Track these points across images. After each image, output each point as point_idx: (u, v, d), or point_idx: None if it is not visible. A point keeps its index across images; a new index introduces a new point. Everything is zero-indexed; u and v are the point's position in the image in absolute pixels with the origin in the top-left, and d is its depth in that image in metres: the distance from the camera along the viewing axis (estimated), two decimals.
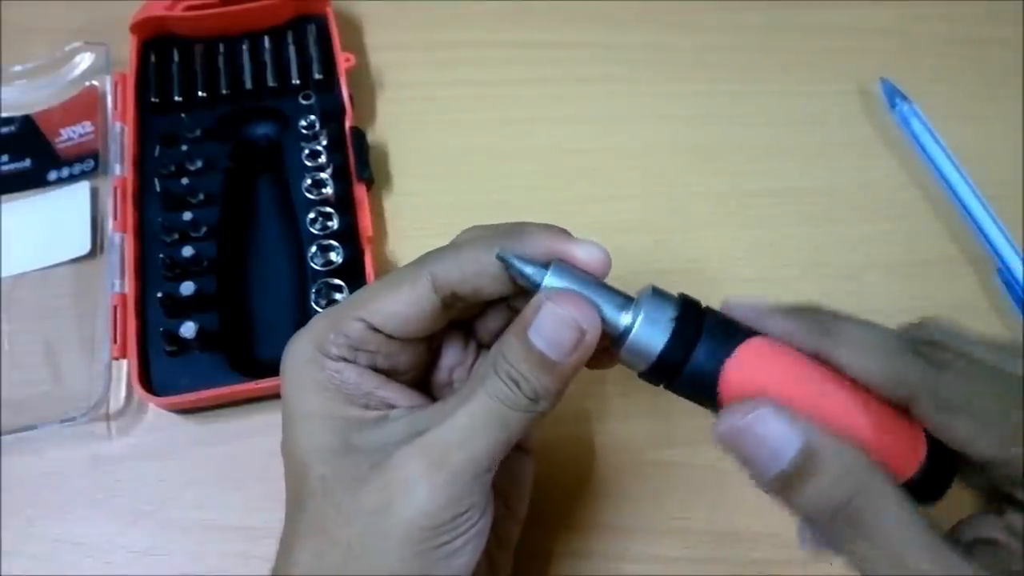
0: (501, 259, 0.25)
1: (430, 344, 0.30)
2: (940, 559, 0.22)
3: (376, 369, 0.28)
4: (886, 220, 0.48)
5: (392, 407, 0.27)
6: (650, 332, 0.24)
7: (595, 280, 0.26)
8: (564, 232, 0.27)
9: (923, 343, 0.24)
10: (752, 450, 0.23)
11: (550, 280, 0.25)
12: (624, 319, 0.25)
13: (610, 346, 0.26)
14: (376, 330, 0.27)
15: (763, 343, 0.25)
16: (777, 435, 0.23)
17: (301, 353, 0.27)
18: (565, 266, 0.25)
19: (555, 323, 0.24)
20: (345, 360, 0.27)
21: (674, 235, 0.46)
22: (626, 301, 0.25)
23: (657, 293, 0.25)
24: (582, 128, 0.50)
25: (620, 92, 0.52)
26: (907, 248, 0.47)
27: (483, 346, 0.31)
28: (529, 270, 0.25)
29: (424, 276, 0.27)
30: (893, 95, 0.50)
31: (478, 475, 0.25)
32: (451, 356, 0.31)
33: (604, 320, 0.25)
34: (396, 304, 0.27)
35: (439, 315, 0.27)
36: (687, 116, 0.51)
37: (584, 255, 0.26)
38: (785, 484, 0.23)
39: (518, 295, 0.27)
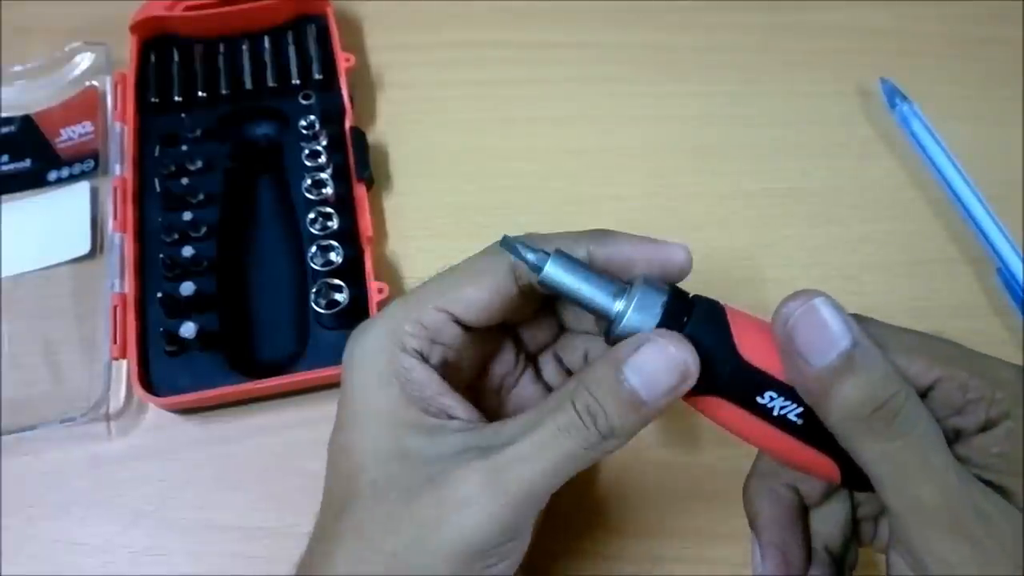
0: (505, 245, 0.26)
1: (489, 345, 0.30)
2: (956, 464, 0.23)
3: (444, 365, 0.27)
4: (886, 220, 0.48)
5: (450, 417, 0.27)
6: (641, 317, 0.25)
7: (591, 269, 0.26)
8: (648, 238, 0.28)
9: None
10: (809, 336, 0.23)
11: (551, 267, 0.26)
12: (617, 305, 0.26)
13: (606, 331, 0.26)
14: (454, 321, 0.27)
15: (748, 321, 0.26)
16: (834, 324, 0.23)
17: (373, 342, 0.27)
18: (565, 256, 0.26)
19: (661, 362, 0.24)
20: (419, 356, 0.27)
21: (674, 235, 0.45)
22: (620, 289, 0.26)
23: (648, 282, 0.26)
24: (582, 128, 0.50)
25: (620, 92, 0.52)
26: (907, 248, 0.47)
27: (530, 357, 0.32)
28: (531, 256, 0.26)
29: (505, 263, 0.27)
30: (893, 95, 0.50)
31: (532, 506, 0.25)
32: (503, 364, 0.31)
33: (599, 306, 0.26)
34: (479, 292, 0.27)
35: (515, 303, 0.28)
36: (687, 116, 0.51)
37: (674, 257, 0.27)
38: (832, 376, 0.23)
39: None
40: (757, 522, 0.30)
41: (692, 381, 0.24)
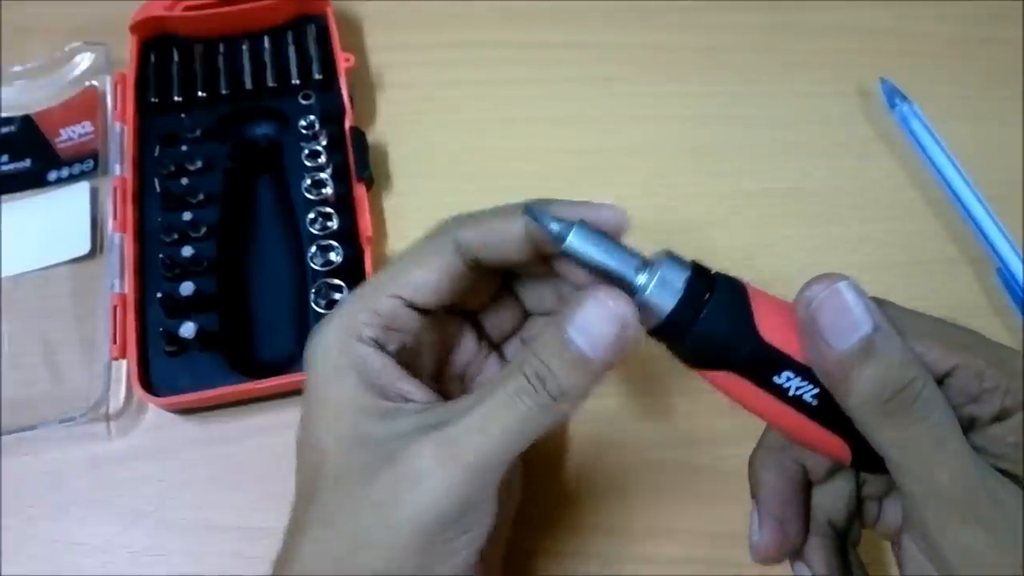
0: (529, 213, 0.26)
1: (448, 330, 0.30)
2: (971, 451, 0.24)
3: (402, 351, 0.28)
4: (886, 220, 0.48)
5: (407, 400, 0.27)
6: (663, 292, 0.25)
7: (616, 242, 0.26)
8: (584, 201, 0.28)
9: None
10: (832, 318, 0.23)
11: (574, 236, 0.26)
12: (640, 279, 0.26)
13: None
14: (408, 306, 0.28)
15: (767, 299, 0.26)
16: (857, 308, 0.23)
17: (329, 338, 0.27)
18: (589, 227, 0.26)
19: (600, 317, 0.24)
20: (376, 344, 0.27)
21: (674, 235, 0.46)
22: (643, 263, 0.26)
23: (672, 257, 0.26)
24: (582, 128, 0.50)
25: (620, 92, 0.52)
26: (907, 248, 0.47)
27: (493, 345, 0.32)
28: (555, 226, 0.26)
29: (449, 242, 0.28)
30: (893, 95, 0.50)
31: (489, 474, 0.25)
32: (465, 351, 0.31)
33: (621, 278, 0.26)
34: (428, 273, 0.28)
35: (466, 280, 0.28)
36: (687, 116, 0.51)
37: (607, 216, 0.27)
38: (852, 359, 0.23)
39: (532, 268, 0.29)
40: (760, 492, 0.30)
41: (634, 332, 0.25)
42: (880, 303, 0.26)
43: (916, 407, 0.23)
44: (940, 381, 0.25)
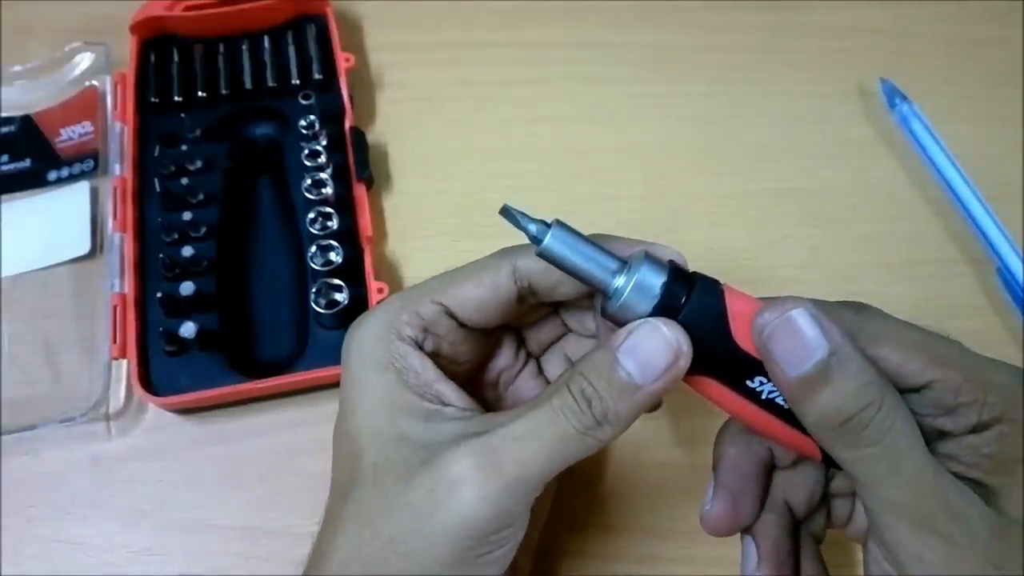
0: (505, 213, 0.25)
1: (488, 342, 0.30)
2: (931, 465, 0.24)
3: (438, 355, 0.28)
4: (886, 220, 0.48)
5: (445, 404, 0.27)
6: (640, 295, 0.25)
7: (592, 241, 0.26)
8: (641, 241, 0.28)
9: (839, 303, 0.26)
10: (785, 346, 0.23)
11: (551, 239, 0.25)
12: (617, 282, 0.25)
13: (603, 306, 0.26)
14: (450, 315, 0.27)
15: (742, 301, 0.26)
16: (810, 335, 0.23)
17: (370, 330, 0.27)
18: (567, 227, 0.26)
19: (655, 344, 0.24)
20: (413, 343, 0.27)
21: (674, 235, 0.45)
22: (621, 265, 0.26)
23: (650, 259, 0.26)
24: (582, 128, 0.50)
25: (620, 92, 0.52)
26: (907, 248, 0.47)
27: (532, 355, 0.32)
28: (532, 227, 0.25)
29: (507, 265, 0.27)
30: (893, 95, 0.50)
31: (526, 490, 0.24)
32: (503, 359, 0.31)
33: (598, 282, 0.25)
34: (476, 289, 0.27)
35: (512, 307, 0.28)
36: (687, 116, 0.51)
37: (665, 254, 0.27)
38: (807, 385, 0.23)
39: (582, 301, 0.29)
40: (719, 464, 0.30)
41: (685, 362, 0.24)
42: (861, 309, 0.26)
43: (867, 432, 0.23)
44: (916, 391, 0.25)
